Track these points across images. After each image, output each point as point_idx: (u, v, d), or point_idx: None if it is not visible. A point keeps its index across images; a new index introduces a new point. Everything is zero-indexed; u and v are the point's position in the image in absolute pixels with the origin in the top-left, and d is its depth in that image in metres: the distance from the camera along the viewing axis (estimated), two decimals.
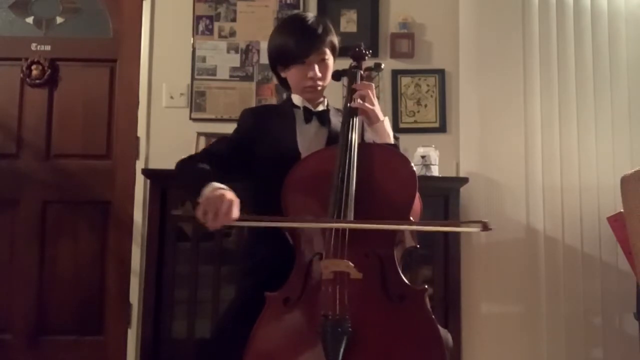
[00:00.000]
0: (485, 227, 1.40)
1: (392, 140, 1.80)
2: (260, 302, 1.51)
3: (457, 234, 2.68)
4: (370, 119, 1.76)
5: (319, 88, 1.85)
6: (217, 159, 1.76)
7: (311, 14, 1.88)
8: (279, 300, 1.50)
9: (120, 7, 3.16)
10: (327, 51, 1.83)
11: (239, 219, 1.50)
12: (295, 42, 1.78)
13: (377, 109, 1.78)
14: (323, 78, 1.83)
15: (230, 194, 1.50)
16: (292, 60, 1.80)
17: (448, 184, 2.76)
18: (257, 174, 1.84)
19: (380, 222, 1.48)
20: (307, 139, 1.84)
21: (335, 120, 1.86)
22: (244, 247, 2.14)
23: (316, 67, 1.80)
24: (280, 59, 1.84)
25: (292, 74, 1.84)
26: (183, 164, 1.79)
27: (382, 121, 1.78)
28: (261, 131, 1.84)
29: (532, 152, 2.95)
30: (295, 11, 3.08)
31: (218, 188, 1.53)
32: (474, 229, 1.37)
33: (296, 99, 1.90)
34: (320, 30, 1.80)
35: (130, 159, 3.06)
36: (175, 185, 2.59)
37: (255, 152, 1.82)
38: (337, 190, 1.56)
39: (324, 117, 1.88)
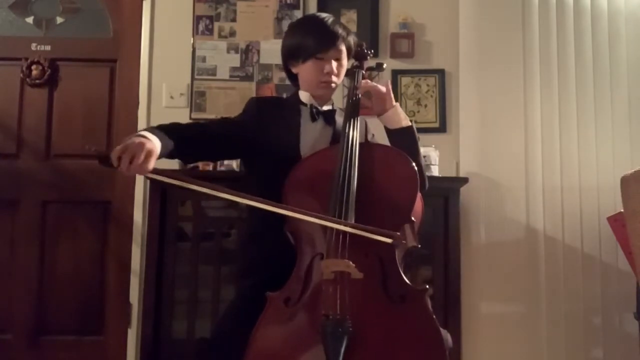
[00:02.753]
0: (393, 237, 1.48)
1: (408, 122, 1.79)
2: (260, 302, 1.51)
3: (457, 233, 2.68)
4: (385, 103, 1.77)
5: (333, 85, 1.84)
6: (202, 132, 1.75)
7: (328, 15, 1.89)
8: (279, 301, 1.50)
9: (120, 7, 3.16)
10: (344, 50, 1.84)
11: (156, 172, 1.47)
12: (314, 37, 1.79)
13: (389, 92, 1.79)
14: (337, 75, 1.84)
15: (150, 144, 1.46)
16: (311, 55, 1.79)
17: (448, 184, 2.75)
18: (257, 169, 1.83)
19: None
20: (312, 138, 1.84)
21: (341, 121, 1.86)
22: (240, 247, 2.14)
23: (333, 62, 1.80)
24: (298, 53, 1.82)
25: (307, 68, 1.82)
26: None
27: (395, 106, 1.78)
28: (263, 125, 1.83)
29: (532, 152, 2.95)
30: (296, 11, 3.10)
31: (141, 136, 1.50)
32: (385, 239, 1.48)
33: (304, 96, 1.89)
34: (340, 30, 1.82)
35: None
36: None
37: (254, 145, 1.81)
38: (338, 190, 1.56)
39: (330, 117, 1.88)
